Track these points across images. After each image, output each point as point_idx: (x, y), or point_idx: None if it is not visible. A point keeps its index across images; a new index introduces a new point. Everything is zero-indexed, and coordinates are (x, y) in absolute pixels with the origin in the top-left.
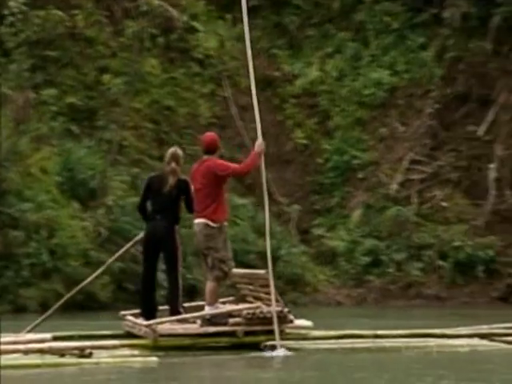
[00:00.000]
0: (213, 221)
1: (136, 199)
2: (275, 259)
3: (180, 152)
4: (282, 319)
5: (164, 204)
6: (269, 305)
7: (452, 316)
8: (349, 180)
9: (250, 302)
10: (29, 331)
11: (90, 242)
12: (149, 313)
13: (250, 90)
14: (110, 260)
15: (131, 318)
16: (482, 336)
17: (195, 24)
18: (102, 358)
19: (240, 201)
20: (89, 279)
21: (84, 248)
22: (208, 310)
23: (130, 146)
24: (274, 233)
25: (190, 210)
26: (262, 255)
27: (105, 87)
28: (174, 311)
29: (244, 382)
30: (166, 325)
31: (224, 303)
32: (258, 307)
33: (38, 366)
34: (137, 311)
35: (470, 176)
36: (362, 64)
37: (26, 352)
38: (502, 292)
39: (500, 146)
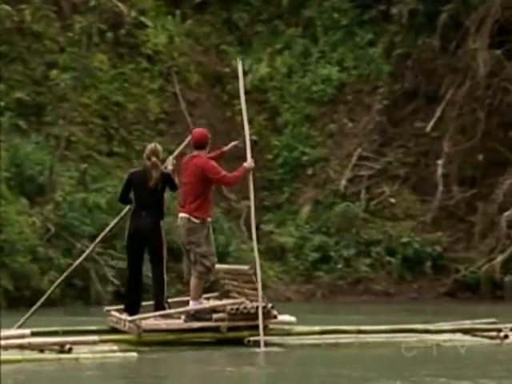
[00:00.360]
0: (195, 216)
1: (84, 195)
2: (224, 255)
3: (159, 147)
4: (266, 315)
5: (149, 199)
6: (252, 300)
7: (401, 312)
8: (298, 176)
9: (234, 298)
10: (20, 326)
11: (38, 237)
12: (133, 308)
13: (200, 86)
14: (99, 237)
15: (116, 314)
16: (465, 331)
17: (144, 19)
18: (81, 353)
19: None
20: (83, 256)
21: (32, 244)
22: (192, 306)
23: (78, 142)
24: (223, 229)
25: (175, 188)
26: None
27: (53, 82)
28: (159, 306)
29: (226, 378)
30: (150, 320)
31: (208, 299)
32: (241, 303)
33: (18, 361)
34: (121, 307)
35: (418, 172)
36: (311, 60)
37: (6, 348)
38: (450, 287)
39: (447, 143)
